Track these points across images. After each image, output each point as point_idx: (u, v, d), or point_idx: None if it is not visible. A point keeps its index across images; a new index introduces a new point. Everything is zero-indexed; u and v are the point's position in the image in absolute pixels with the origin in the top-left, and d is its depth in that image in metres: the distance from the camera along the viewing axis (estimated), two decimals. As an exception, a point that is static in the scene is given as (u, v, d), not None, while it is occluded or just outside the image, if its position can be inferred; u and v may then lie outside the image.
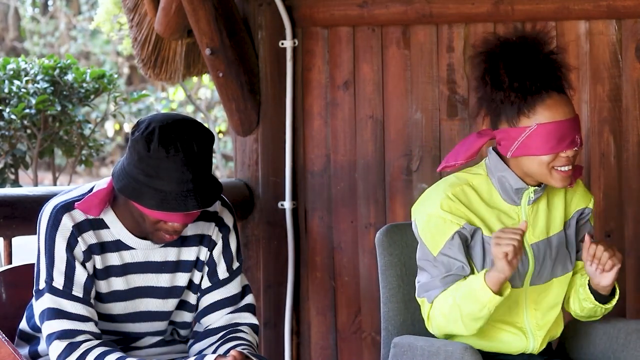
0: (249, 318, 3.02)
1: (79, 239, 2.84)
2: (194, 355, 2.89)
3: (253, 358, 2.84)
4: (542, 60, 2.96)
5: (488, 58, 2.98)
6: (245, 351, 2.85)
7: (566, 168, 2.96)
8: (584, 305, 3.12)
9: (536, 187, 3.02)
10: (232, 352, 2.81)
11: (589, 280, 3.06)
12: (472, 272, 3.00)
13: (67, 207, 2.85)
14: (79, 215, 2.85)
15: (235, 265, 3.02)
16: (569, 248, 3.10)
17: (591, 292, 3.08)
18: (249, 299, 3.04)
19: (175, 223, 2.80)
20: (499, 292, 2.88)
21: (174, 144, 2.72)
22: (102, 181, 2.91)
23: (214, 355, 2.79)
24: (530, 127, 2.93)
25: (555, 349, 3.26)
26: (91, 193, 2.85)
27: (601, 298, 3.08)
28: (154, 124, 2.75)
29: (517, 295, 3.04)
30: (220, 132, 11.24)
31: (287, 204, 4.49)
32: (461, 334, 3.00)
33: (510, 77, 2.94)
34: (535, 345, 3.08)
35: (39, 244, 2.86)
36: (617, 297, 3.09)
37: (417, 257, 3.06)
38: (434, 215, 2.99)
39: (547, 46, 2.99)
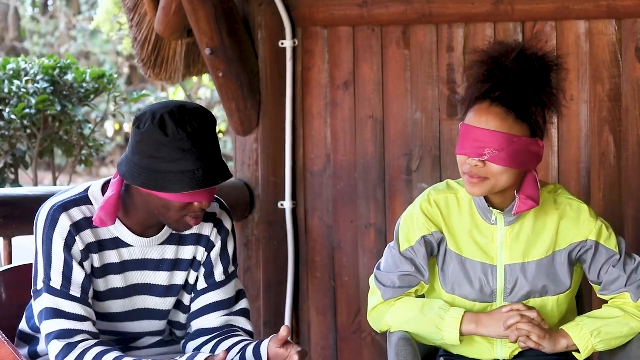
0: (243, 324, 3.02)
1: (76, 238, 2.83)
2: (190, 353, 2.88)
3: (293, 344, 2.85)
4: (502, 70, 2.92)
5: (473, 64, 3.00)
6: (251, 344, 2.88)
7: (468, 177, 2.93)
8: None
9: (501, 211, 3.00)
10: (221, 355, 2.77)
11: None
12: (429, 280, 3.08)
13: (64, 206, 2.85)
14: (76, 215, 2.85)
15: (232, 269, 3.02)
16: (551, 277, 3.05)
17: None
18: (243, 303, 3.04)
19: (203, 202, 2.80)
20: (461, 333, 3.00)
21: (190, 123, 2.74)
22: (98, 182, 2.91)
23: (205, 355, 2.78)
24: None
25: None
26: (103, 203, 2.82)
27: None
28: (159, 112, 2.76)
29: (490, 310, 3.06)
30: (220, 132, 11.24)
31: (287, 204, 4.49)
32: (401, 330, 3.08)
33: (471, 82, 2.98)
34: (504, 354, 3.10)
35: (36, 244, 2.86)
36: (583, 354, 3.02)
37: (389, 245, 3.13)
38: (412, 214, 3.10)
39: (518, 59, 2.91)
